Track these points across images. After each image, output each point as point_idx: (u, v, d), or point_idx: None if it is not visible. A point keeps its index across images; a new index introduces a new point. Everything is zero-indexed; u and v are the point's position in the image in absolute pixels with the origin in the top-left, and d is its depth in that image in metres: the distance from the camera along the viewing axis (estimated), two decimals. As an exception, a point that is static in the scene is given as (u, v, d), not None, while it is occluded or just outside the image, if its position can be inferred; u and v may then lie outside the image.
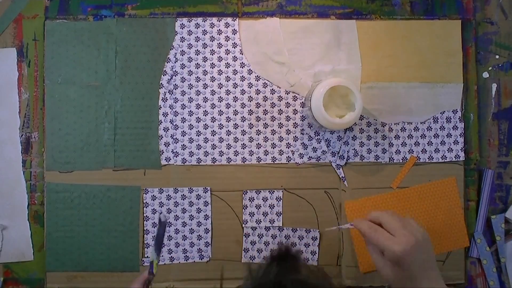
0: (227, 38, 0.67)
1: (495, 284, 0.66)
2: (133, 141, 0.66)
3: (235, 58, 0.67)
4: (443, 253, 0.67)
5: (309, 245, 0.66)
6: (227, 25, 0.67)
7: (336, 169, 0.66)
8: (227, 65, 0.67)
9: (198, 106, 0.67)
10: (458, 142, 0.68)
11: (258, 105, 0.67)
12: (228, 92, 0.67)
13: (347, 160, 0.67)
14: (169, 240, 0.66)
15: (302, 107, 0.67)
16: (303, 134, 0.67)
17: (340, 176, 0.66)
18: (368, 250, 0.55)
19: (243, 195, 0.66)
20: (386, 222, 0.54)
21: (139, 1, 0.68)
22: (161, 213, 0.64)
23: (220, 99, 0.67)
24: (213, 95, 0.67)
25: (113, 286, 0.65)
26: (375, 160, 0.67)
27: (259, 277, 0.44)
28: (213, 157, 0.66)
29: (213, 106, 0.67)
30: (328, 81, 0.60)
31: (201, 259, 0.66)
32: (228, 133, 0.67)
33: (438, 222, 0.66)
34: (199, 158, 0.66)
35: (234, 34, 0.67)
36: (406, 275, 0.52)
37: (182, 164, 0.66)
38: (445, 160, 0.67)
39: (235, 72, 0.67)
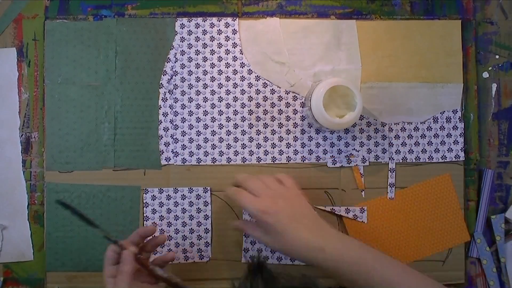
0: (227, 38, 0.67)
1: (495, 284, 0.66)
2: (133, 141, 0.66)
3: (235, 58, 0.67)
4: (444, 253, 0.67)
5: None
6: (227, 25, 0.67)
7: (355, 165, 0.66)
8: (227, 65, 0.67)
9: (198, 106, 0.67)
10: (458, 142, 0.68)
11: (258, 105, 0.67)
12: (228, 92, 0.67)
13: (349, 160, 0.67)
14: (169, 240, 0.66)
15: (302, 107, 0.67)
16: (303, 134, 0.67)
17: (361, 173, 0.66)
18: (247, 231, 0.59)
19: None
20: (248, 185, 0.57)
21: (139, 1, 0.68)
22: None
23: (220, 99, 0.67)
24: (213, 95, 0.67)
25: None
26: (375, 160, 0.67)
27: None
28: (213, 157, 0.66)
29: (213, 106, 0.67)
30: (328, 81, 0.60)
31: (201, 259, 0.66)
32: (228, 133, 0.67)
33: (438, 219, 0.66)
34: (199, 158, 0.66)
35: (234, 34, 0.67)
36: (274, 233, 0.54)
37: (182, 164, 0.66)
38: (445, 160, 0.67)
39: (235, 72, 0.67)
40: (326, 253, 0.53)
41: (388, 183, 0.67)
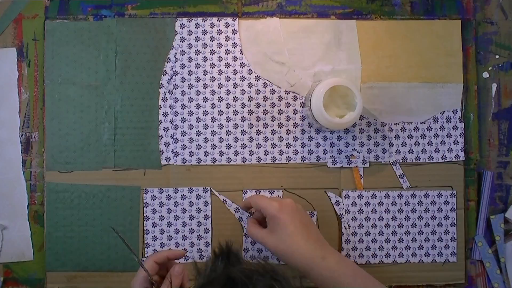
0: (227, 38, 0.67)
1: (499, 286, 0.66)
2: (133, 141, 0.66)
3: (235, 58, 0.67)
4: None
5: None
6: (227, 25, 0.67)
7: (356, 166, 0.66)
8: (227, 65, 0.67)
9: (198, 106, 0.67)
10: (458, 142, 0.68)
11: (258, 105, 0.67)
12: (228, 92, 0.67)
13: (349, 161, 0.67)
14: (169, 240, 0.66)
15: (302, 107, 0.67)
16: (303, 134, 0.67)
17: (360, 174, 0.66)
18: (250, 231, 0.61)
19: (243, 195, 0.66)
20: (263, 199, 0.60)
21: (139, 1, 0.68)
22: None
23: (220, 99, 0.67)
24: (213, 95, 0.67)
25: (113, 286, 0.65)
26: (375, 160, 0.67)
27: (207, 274, 0.48)
28: (213, 157, 0.66)
29: (213, 106, 0.67)
30: (328, 81, 0.60)
31: (201, 259, 0.66)
32: (228, 133, 0.67)
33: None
34: (199, 158, 0.66)
35: (234, 34, 0.67)
36: (284, 234, 0.57)
37: (182, 164, 0.66)
38: (445, 160, 0.67)
39: (235, 72, 0.67)
40: (327, 262, 0.56)
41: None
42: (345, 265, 0.57)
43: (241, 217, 0.66)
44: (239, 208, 0.66)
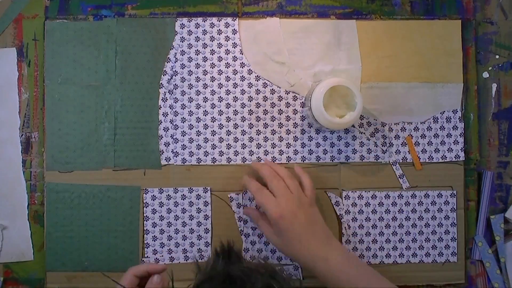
0: (227, 38, 0.67)
1: (499, 286, 0.66)
2: (133, 141, 0.66)
3: (235, 58, 0.67)
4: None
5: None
6: (227, 25, 0.67)
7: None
8: (227, 65, 0.67)
9: (198, 106, 0.67)
10: (458, 142, 0.68)
11: (258, 105, 0.67)
12: (228, 92, 0.67)
13: (347, 159, 0.67)
14: (169, 240, 0.66)
15: (302, 107, 0.67)
16: (303, 134, 0.67)
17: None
18: (259, 223, 0.61)
19: (243, 195, 0.66)
20: (270, 182, 0.60)
21: (139, 1, 0.68)
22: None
23: (220, 99, 0.67)
24: (213, 95, 0.67)
25: (113, 286, 0.65)
26: (375, 160, 0.67)
27: (208, 271, 0.49)
28: (213, 157, 0.66)
29: (213, 106, 0.67)
30: (328, 80, 0.60)
31: (201, 259, 0.66)
32: (228, 133, 0.67)
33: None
34: (199, 158, 0.66)
35: (234, 34, 0.67)
36: (294, 236, 0.57)
37: (182, 164, 0.66)
38: (445, 160, 0.67)
39: (235, 72, 0.67)
40: (329, 263, 0.57)
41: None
42: (349, 265, 0.57)
43: (241, 216, 0.66)
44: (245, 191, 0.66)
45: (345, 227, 0.66)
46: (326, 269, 0.57)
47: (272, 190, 0.59)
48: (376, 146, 0.67)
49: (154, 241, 0.66)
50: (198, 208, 0.66)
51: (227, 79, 0.67)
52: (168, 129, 0.66)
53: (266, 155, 0.67)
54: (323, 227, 0.60)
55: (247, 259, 0.57)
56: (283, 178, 0.61)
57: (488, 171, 0.68)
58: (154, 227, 0.66)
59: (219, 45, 0.67)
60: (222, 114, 0.67)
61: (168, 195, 0.66)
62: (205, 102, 0.67)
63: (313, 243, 0.58)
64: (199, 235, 0.66)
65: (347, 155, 0.67)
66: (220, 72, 0.67)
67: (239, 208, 0.66)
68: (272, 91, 0.67)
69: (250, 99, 0.67)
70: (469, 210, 0.68)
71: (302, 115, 0.67)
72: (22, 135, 0.66)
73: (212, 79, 0.67)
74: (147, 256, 0.65)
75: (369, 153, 0.67)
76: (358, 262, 0.59)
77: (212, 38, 0.67)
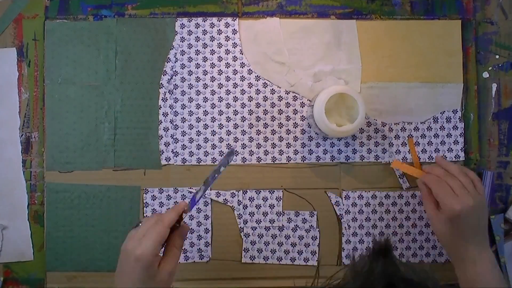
0: (227, 38, 0.67)
1: (499, 285, 0.66)
2: (133, 141, 0.66)
3: (235, 58, 0.67)
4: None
5: (309, 245, 0.66)
6: (227, 25, 0.67)
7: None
8: (227, 65, 0.67)
9: (198, 106, 0.67)
10: (458, 142, 0.68)
11: (258, 105, 0.67)
12: (228, 92, 0.67)
13: (347, 159, 0.67)
14: (169, 240, 0.66)
15: (304, 110, 0.67)
16: (303, 134, 0.67)
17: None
18: (424, 203, 0.62)
19: (243, 195, 0.66)
20: (449, 181, 0.59)
21: (139, 1, 0.68)
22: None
23: (220, 99, 0.67)
24: (213, 95, 0.67)
25: (113, 286, 0.65)
26: (375, 160, 0.67)
27: (363, 272, 0.42)
28: (213, 157, 0.66)
29: (213, 106, 0.67)
30: (336, 87, 0.60)
31: (201, 259, 0.66)
32: (228, 133, 0.67)
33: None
34: (199, 158, 0.66)
35: (234, 34, 0.67)
36: (458, 233, 0.58)
37: (182, 164, 0.66)
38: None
39: (235, 72, 0.67)
40: (476, 267, 0.57)
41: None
42: (492, 276, 0.57)
43: (240, 213, 0.66)
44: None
45: (345, 227, 0.66)
46: (471, 272, 0.57)
47: (451, 185, 0.59)
48: (376, 146, 0.67)
49: (154, 241, 0.65)
50: (198, 208, 0.66)
51: (227, 79, 0.67)
52: (168, 129, 0.66)
53: (266, 155, 0.67)
54: (485, 230, 0.59)
55: (397, 259, 0.49)
56: (456, 176, 0.60)
57: (488, 171, 0.68)
58: (154, 227, 0.66)
59: (219, 45, 0.67)
60: (222, 114, 0.67)
61: (168, 195, 0.66)
62: (205, 102, 0.67)
63: (470, 244, 0.58)
64: (199, 235, 0.66)
65: (347, 155, 0.67)
66: (220, 72, 0.67)
67: (239, 205, 0.66)
68: (272, 91, 0.67)
69: (250, 99, 0.67)
70: (469, 210, 0.68)
71: (302, 115, 0.67)
72: (22, 135, 0.66)
73: (212, 79, 0.67)
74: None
75: (369, 153, 0.67)
76: (500, 278, 0.58)
77: (212, 38, 0.67)
